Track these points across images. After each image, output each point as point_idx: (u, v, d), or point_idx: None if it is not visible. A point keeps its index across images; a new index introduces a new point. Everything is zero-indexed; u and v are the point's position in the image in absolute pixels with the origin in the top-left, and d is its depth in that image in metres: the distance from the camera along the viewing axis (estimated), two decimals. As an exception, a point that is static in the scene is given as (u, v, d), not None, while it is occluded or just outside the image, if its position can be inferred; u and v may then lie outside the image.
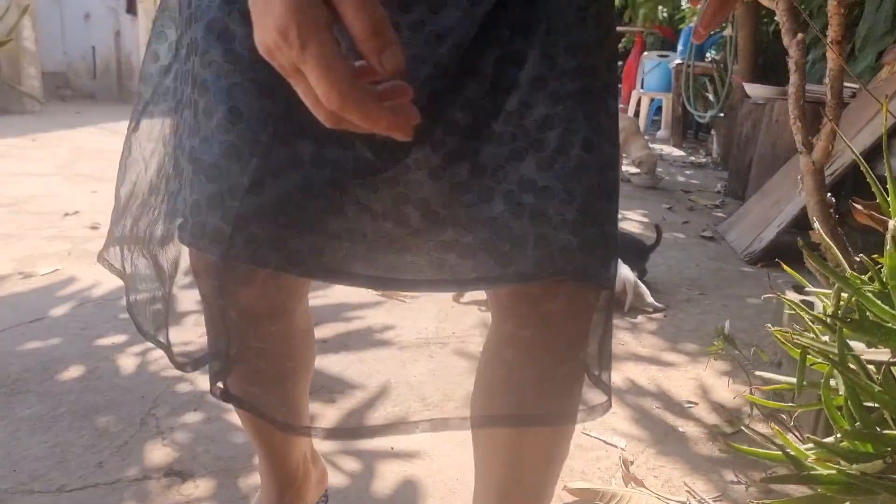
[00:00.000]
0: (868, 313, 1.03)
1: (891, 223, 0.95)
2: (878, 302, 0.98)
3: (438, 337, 2.18)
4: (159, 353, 1.89)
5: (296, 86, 0.43)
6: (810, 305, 2.09)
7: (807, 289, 1.48)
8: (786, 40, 1.89)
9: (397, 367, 1.95)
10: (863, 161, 1.20)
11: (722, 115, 6.28)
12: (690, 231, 3.74)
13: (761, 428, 1.68)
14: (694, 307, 2.54)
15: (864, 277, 1.05)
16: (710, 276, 2.92)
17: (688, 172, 5.80)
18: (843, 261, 1.23)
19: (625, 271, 2.48)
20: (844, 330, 0.97)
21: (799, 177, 2.02)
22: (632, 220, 3.93)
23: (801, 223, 2.95)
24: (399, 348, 2.08)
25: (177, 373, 1.77)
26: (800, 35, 1.87)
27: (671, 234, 3.61)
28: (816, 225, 1.95)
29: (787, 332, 1.10)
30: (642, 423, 1.70)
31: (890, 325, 0.97)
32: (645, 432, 1.65)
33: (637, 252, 2.73)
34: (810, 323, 1.12)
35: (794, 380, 1.14)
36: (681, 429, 1.68)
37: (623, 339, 2.22)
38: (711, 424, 1.70)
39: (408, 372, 1.92)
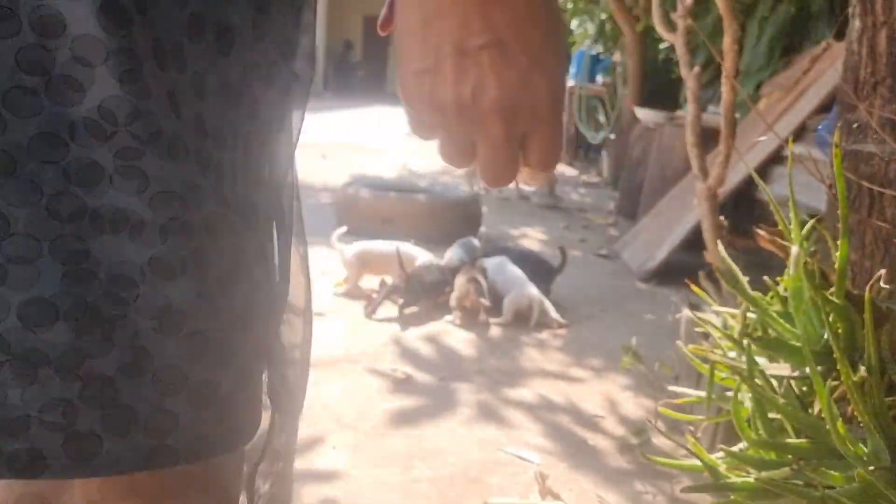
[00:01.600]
0: (771, 331, 1.11)
1: (793, 249, 1.03)
2: (782, 321, 1.06)
3: (349, 355, 2.16)
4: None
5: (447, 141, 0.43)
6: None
7: (708, 308, 1.58)
8: (684, 72, 2.02)
9: (309, 386, 1.91)
10: (765, 187, 1.30)
11: (612, 136, 6.59)
12: (587, 249, 3.88)
13: (664, 441, 1.77)
14: (596, 323, 2.64)
15: (767, 298, 1.14)
16: (608, 293, 3.05)
17: (581, 191, 6.03)
18: (743, 281, 1.33)
19: (531, 288, 2.55)
20: (751, 346, 1.04)
21: (695, 201, 2.15)
22: (532, 238, 4.04)
23: (690, 243, 3.15)
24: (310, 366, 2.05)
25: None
26: (696, 68, 2.00)
27: (570, 253, 3.74)
28: (710, 246, 2.09)
29: (698, 349, 1.17)
30: (555, 437, 1.75)
31: (792, 342, 1.06)
32: (558, 446, 1.70)
33: (544, 272, 2.82)
34: (718, 340, 1.20)
35: (702, 393, 1.22)
36: (591, 442, 1.74)
37: (531, 354, 2.28)
38: (619, 437, 1.77)
39: (320, 391, 1.89)
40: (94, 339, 0.38)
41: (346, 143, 7.81)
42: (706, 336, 2.11)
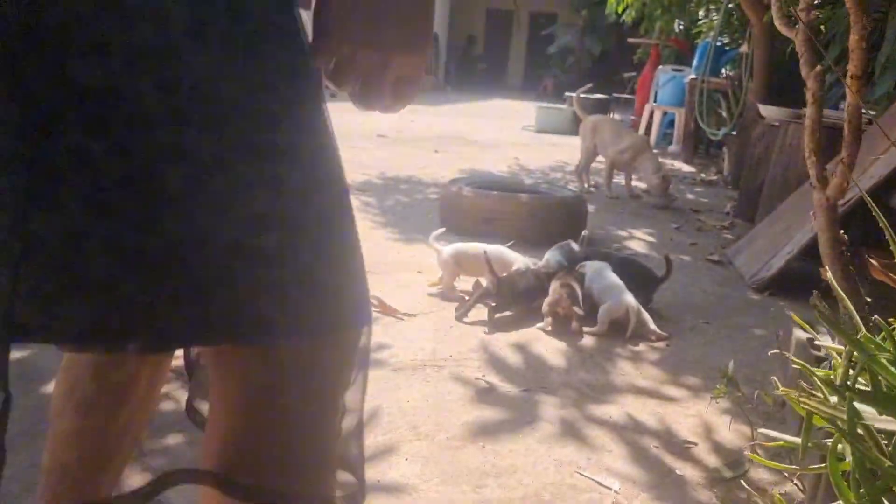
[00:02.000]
0: (881, 379, 0.97)
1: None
2: (892, 369, 0.93)
3: (435, 359, 2.13)
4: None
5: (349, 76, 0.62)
6: (819, 350, 2.03)
7: (816, 337, 1.43)
8: (804, 71, 1.84)
9: (390, 391, 1.90)
10: (870, 200, 1.15)
11: (734, 133, 6.22)
12: (698, 253, 3.68)
13: (762, 474, 1.63)
14: (698, 336, 2.48)
15: (878, 339, 1.00)
16: (715, 304, 2.86)
17: (697, 190, 5.74)
18: (856, 314, 1.18)
19: (628, 297, 2.43)
20: (852, 397, 0.92)
21: (811, 212, 1.96)
22: (639, 240, 3.87)
23: (811, 251, 2.89)
24: (393, 370, 2.04)
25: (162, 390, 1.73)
26: (818, 67, 1.81)
27: (678, 257, 3.55)
28: (828, 264, 1.90)
29: (795, 394, 1.05)
30: (639, 462, 1.64)
31: (904, 394, 0.92)
32: (641, 473, 1.60)
33: (644, 280, 2.68)
34: (818, 382, 1.07)
35: (797, 440, 1.09)
36: (679, 471, 1.62)
37: (624, 368, 2.17)
38: (711, 468, 1.65)
39: (400, 396, 1.87)
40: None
41: (460, 136, 7.80)
42: (820, 361, 1.92)
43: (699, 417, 1.89)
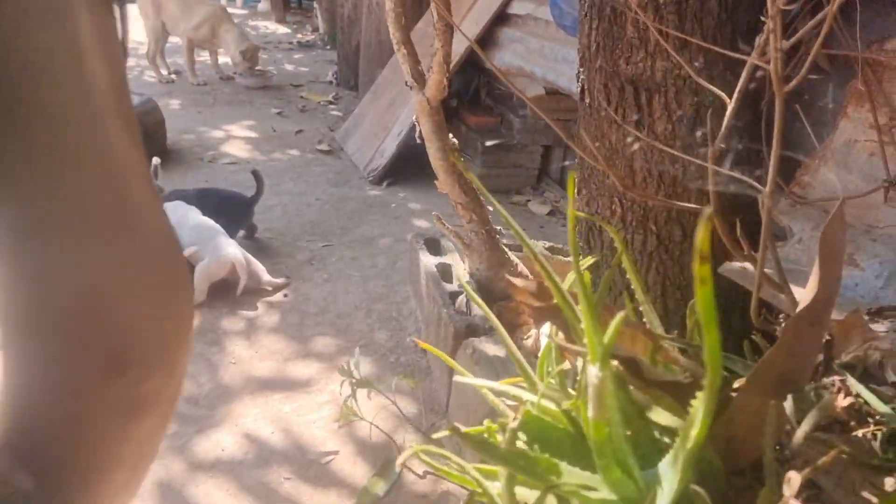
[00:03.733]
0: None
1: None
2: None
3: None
4: None
5: None
6: (447, 268, 1.76)
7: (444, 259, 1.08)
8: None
9: None
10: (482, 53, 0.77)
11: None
12: (306, 143, 3.23)
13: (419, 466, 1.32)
14: (320, 271, 2.08)
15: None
16: (333, 214, 2.47)
17: (297, 57, 5.22)
18: (484, 230, 0.82)
19: (231, 249, 1.89)
20: None
21: (414, 116, 1.60)
22: (238, 139, 3.28)
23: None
24: None
25: None
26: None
27: (285, 154, 3.07)
28: (442, 178, 1.58)
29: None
30: (270, 518, 1.21)
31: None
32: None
33: (236, 210, 2.15)
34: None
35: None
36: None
37: (236, 353, 1.67)
38: (359, 488, 1.28)
39: None
40: None
41: None
42: (454, 296, 1.65)
43: (334, 402, 1.50)
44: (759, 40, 0.72)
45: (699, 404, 0.44)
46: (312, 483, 1.29)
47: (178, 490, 1.25)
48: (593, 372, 0.51)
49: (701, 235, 0.32)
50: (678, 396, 0.68)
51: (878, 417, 0.79)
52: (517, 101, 2.78)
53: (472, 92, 3.18)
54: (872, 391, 0.81)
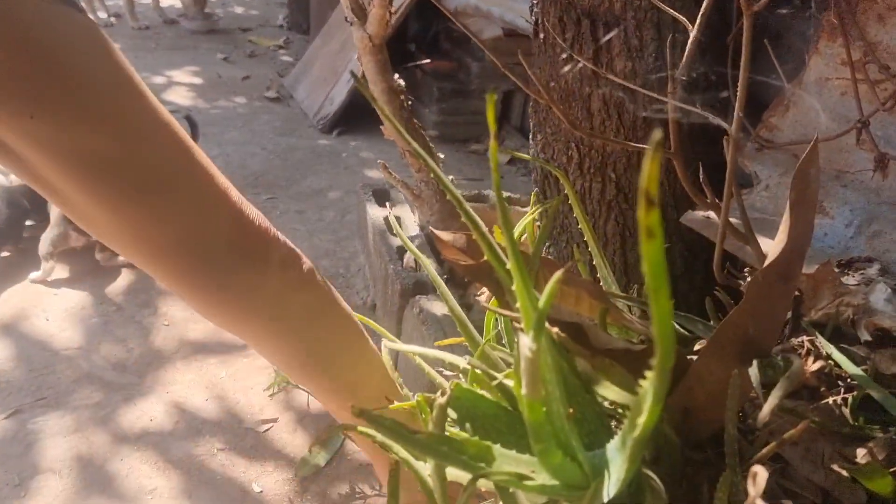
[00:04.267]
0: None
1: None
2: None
3: None
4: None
5: None
6: (398, 221, 1.65)
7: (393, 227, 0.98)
8: None
9: None
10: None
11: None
12: (253, 90, 3.06)
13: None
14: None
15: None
16: (280, 165, 2.34)
17: (246, 0, 4.97)
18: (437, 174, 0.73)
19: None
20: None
21: (356, 55, 1.47)
22: (181, 85, 3.10)
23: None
24: None
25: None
26: None
27: (230, 101, 2.91)
28: (389, 126, 1.46)
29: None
30: (200, 493, 1.12)
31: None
32: (205, 514, 1.09)
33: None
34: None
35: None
36: (258, 487, 1.15)
37: (170, 314, 1.56)
38: (298, 458, 1.20)
39: None
40: None
41: None
42: (402, 252, 1.55)
43: (273, 367, 1.41)
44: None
45: (648, 386, 0.36)
46: (248, 454, 1.20)
47: (100, 465, 1.16)
48: (525, 343, 0.42)
49: (648, 170, 0.22)
50: (630, 365, 0.59)
51: (849, 381, 0.72)
52: (475, 45, 2.65)
53: (431, 36, 3.03)
54: (844, 351, 0.74)
